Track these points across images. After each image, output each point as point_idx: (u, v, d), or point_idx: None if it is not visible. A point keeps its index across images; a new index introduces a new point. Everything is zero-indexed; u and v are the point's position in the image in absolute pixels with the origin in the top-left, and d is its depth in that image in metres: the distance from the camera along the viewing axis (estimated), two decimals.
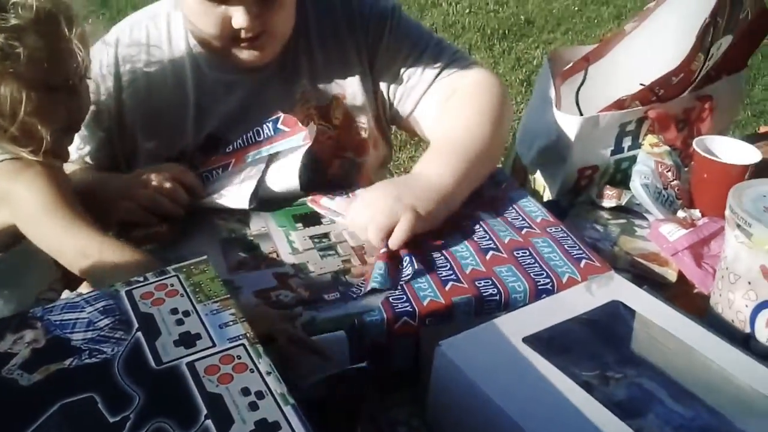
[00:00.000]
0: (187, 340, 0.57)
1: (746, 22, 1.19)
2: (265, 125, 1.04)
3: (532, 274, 0.84)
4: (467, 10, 4.04)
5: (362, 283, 0.85)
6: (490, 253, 0.88)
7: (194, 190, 1.01)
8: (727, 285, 0.85)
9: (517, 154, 1.31)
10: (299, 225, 0.98)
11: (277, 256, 0.91)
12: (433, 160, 1.02)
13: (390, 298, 0.80)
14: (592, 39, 3.59)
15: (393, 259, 0.87)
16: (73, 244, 0.84)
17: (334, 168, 1.19)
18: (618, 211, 1.12)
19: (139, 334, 0.58)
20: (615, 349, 0.77)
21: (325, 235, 0.95)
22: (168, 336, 0.58)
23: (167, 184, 0.98)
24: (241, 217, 1.00)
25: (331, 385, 0.70)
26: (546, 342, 0.71)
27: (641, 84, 1.15)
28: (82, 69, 0.91)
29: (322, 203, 1.01)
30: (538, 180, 1.23)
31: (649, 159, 1.12)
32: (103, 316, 0.60)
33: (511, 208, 0.99)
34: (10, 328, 0.58)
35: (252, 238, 0.95)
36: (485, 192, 1.03)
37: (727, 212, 0.84)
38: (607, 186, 1.16)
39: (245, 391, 0.53)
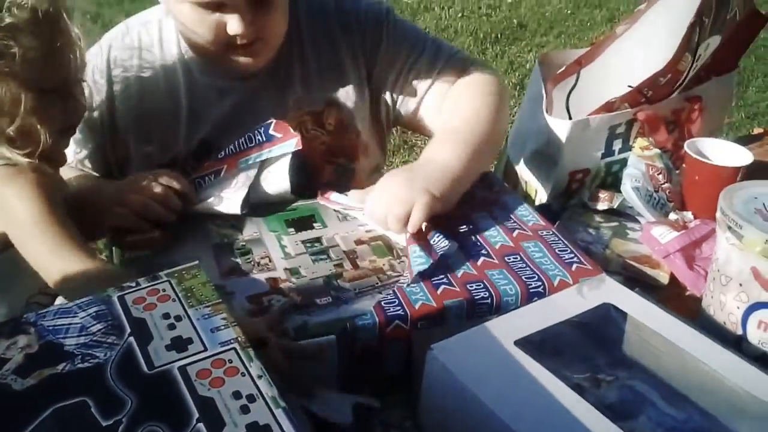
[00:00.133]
0: (179, 344, 0.58)
1: (734, 22, 1.20)
2: (256, 131, 1.04)
3: (523, 277, 0.85)
4: (460, 14, 4.05)
5: (404, 275, 0.87)
6: (482, 259, 0.88)
7: (187, 196, 1.01)
8: (718, 287, 0.85)
9: (508, 157, 1.31)
10: (291, 230, 0.98)
11: (270, 260, 0.91)
12: (438, 147, 1.05)
13: (382, 302, 0.80)
14: (584, 42, 3.61)
15: (422, 240, 0.89)
16: (57, 264, 0.84)
17: (326, 173, 1.19)
18: (610, 214, 1.12)
19: (132, 338, 0.59)
20: (606, 352, 0.77)
21: (317, 240, 0.96)
22: (160, 340, 0.58)
23: (160, 190, 0.98)
24: (234, 222, 1.00)
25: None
26: (537, 345, 0.71)
27: (629, 86, 1.15)
28: (78, 71, 0.91)
29: (333, 198, 1.02)
30: (530, 183, 1.23)
31: (640, 162, 1.13)
32: (95, 322, 0.60)
33: (502, 211, 1.00)
34: (4, 334, 0.59)
35: (244, 243, 0.95)
36: (477, 195, 1.03)
37: (718, 214, 0.84)
38: (599, 189, 1.16)
39: (237, 395, 0.53)
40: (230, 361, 0.56)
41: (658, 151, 1.17)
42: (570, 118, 1.18)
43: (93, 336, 0.59)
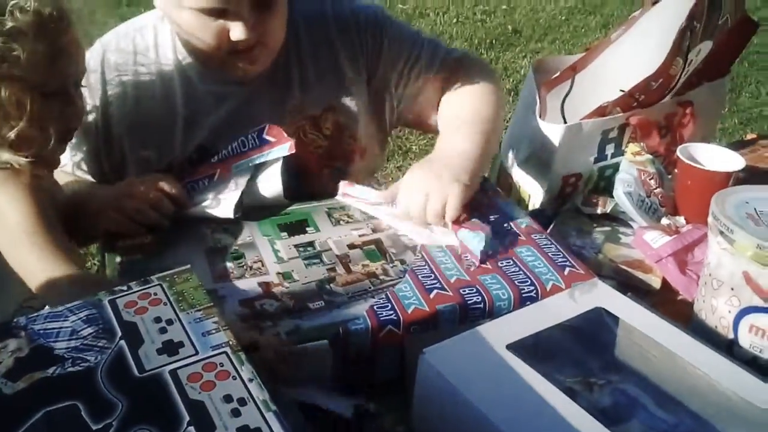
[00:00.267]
0: (170, 348, 0.58)
1: (726, 28, 1.20)
2: (250, 135, 1.04)
3: (516, 281, 0.85)
4: (454, 20, 4.06)
5: (464, 260, 0.91)
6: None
7: (180, 200, 1.01)
8: (710, 291, 0.85)
9: (502, 162, 1.32)
10: (284, 234, 0.98)
11: (263, 265, 0.91)
12: (453, 137, 1.09)
13: (375, 307, 0.80)
14: (579, 48, 3.62)
15: (464, 225, 0.94)
16: (40, 269, 0.84)
17: (323, 177, 1.20)
18: (603, 218, 1.13)
19: (123, 342, 0.59)
20: (598, 356, 0.77)
21: (310, 244, 0.95)
22: (151, 344, 0.58)
23: (153, 195, 0.98)
24: (227, 226, 0.99)
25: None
26: (530, 349, 0.71)
27: (621, 90, 1.16)
28: (79, 74, 0.91)
29: (357, 194, 1.04)
30: (524, 188, 1.23)
31: (632, 167, 1.13)
32: (86, 325, 0.60)
33: (496, 215, 1.00)
34: None
35: (237, 247, 0.95)
36: (471, 199, 1.03)
37: (709, 219, 0.85)
38: (592, 194, 1.17)
39: (228, 398, 0.53)
40: (221, 365, 0.56)
41: (649, 156, 1.17)
42: (565, 124, 1.18)
43: (84, 340, 0.59)
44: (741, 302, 0.81)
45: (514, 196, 1.25)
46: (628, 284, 0.97)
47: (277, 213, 1.03)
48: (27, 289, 0.95)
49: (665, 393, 0.73)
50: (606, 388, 0.74)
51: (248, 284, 0.87)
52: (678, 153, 1.12)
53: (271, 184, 1.04)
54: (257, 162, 1.03)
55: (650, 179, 1.13)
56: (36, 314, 0.62)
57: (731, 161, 1.11)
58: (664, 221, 1.09)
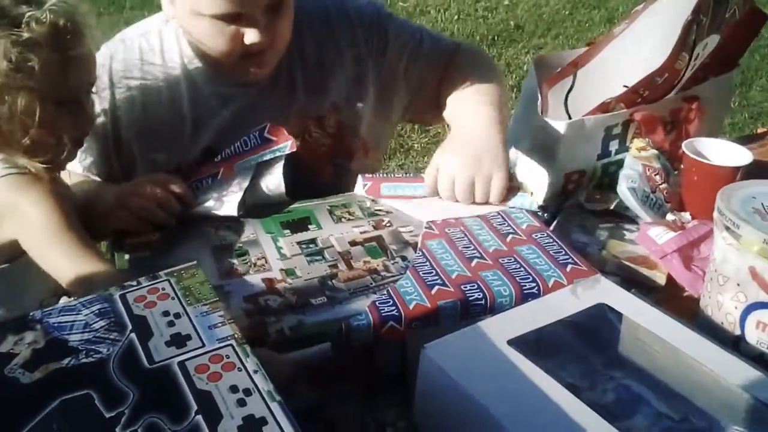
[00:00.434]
0: (178, 340, 0.61)
1: (734, 20, 1.19)
2: (252, 135, 1.06)
3: (518, 278, 0.84)
4: (456, 17, 4.04)
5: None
6: (475, 261, 0.88)
7: (186, 199, 1.02)
8: (716, 287, 0.84)
9: None
10: (287, 231, 0.99)
11: (266, 261, 0.92)
12: (473, 115, 1.13)
13: (376, 302, 0.80)
14: (583, 43, 3.58)
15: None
16: (71, 268, 0.87)
17: (326, 175, 1.21)
18: (607, 215, 1.12)
19: (133, 335, 0.61)
20: (601, 352, 0.77)
21: (313, 241, 0.96)
22: (160, 337, 0.61)
23: (160, 194, 1.00)
24: (231, 224, 1.01)
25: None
26: (531, 345, 0.71)
27: (624, 86, 1.15)
28: (90, 83, 0.95)
29: (388, 190, 1.07)
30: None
31: (637, 163, 1.12)
32: (98, 319, 0.63)
33: (496, 214, 1.00)
34: (12, 330, 0.62)
35: (242, 244, 0.96)
36: None
37: (715, 214, 0.84)
38: (596, 190, 1.16)
39: (233, 389, 0.56)
40: (227, 357, 0.59)
41: (655, 151, 1.16)
42: (570, 120, 1.18)
43: (96, 332, 0.62)
44: (747, 298, 0.81)
45: None
46: (633, 280, 0.97)
47: (280, 211, 1.04)
48: (47, 288, 0.99)
49: (669, 388, 0.72)
50: (609, 384, 0.73)
51: (252, 280, 0.88)
52: (684, 148, 1.11)
53: (273, 182, 1.05)
54: (259, 160, 1.04)
55: (655, 175, 1.12)
56: (51, 308, 0.65)
57: (738, 156, 1.10)
58: (670, 217, 1.08)
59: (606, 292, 0.80)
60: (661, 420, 0.70)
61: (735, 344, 0.81)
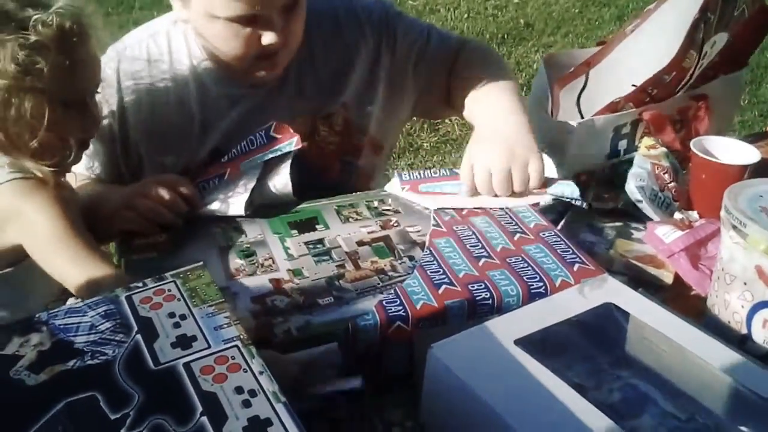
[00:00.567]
0: (184, 341, 0.61)
1: (743, 19, 1.19)
2: (258, 134, 1.05)
3: (525, 277, 0.84)
4: (465, 15, 4.03)
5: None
6: (483, 260, 0.88)
7: (193, 200, 1.02)
8: (723, 286, 0.84)
9: None
10: (294, 231, 0.99)
11: (273, 262, 0.92)
12: (495, 106, 1.12)
13: (383, 302, 0.80)
14: (593, 42, 3.57)
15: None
16: (78, 273, 0.87)
17: (333, 173, 1.21)
18: (615, 214, 1.12)
19: (139, 336, 0.61)
20: (608, 351, 0.77)
21: (320, 241, 0.96)
22: (165, 338, 0.61)
23: (167, 195, 1.00)
24: (238, 225, 1.01)
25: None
26: (538, 344, 0.71)
27: (633, 85, 1.14)
28: (95, 85, 0.95)
29: (427, 189, 1.06)
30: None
31: (645, 161, 1.12)
32: (104, 320, 0.63)
33: (504, 212, 1.00)
34: (17, 332, 0.62)
35: (249, 245, 0.96)
36: None
37: (722, 212, 0.84)
38: (604, 189, 1.16)
39: (239, 390, 0.56)
40: (233, 358, 0.59)
41: (664, 150, 1.16)
42: (582, 119, 1.18)
43: (102, 334, 0.62)
44: (754, 297, 0.80)
45: None
46: (640, 280, 0.97)
47: (287, 211, 1.04)
48: (51, 291, 0.99)
49: (676, 388, 0.72)
50: (616, 383, 0.73)
51: (260, 281, 0.88)
52: (692, 146, 1.11)
53: (281, 181, 1.05)
54: (265, 159, 1.04)
55: (664, 173, 1.12)
56: (56, 310, 0.65)
57: (747, 154, 1.09)
58: (677, 216, 1.08)
59: (613, 291, 0.80)
60: (667, 419, 0.70)
61: (742, 343, 0.81)
